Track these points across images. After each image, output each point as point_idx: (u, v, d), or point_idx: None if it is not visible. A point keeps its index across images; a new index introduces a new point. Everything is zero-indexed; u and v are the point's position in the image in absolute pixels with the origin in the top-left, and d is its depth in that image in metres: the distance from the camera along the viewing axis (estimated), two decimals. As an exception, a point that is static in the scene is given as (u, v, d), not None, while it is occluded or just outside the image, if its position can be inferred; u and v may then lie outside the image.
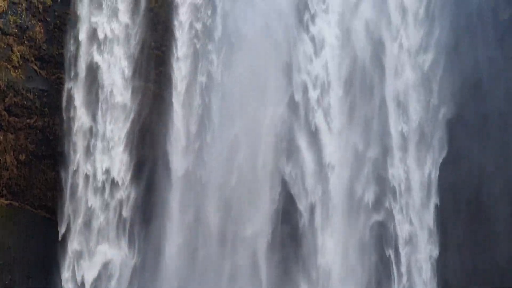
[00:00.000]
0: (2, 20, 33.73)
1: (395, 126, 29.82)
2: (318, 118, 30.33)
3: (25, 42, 34.28)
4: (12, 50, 33.94)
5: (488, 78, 29.79)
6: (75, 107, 33.43)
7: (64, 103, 33.61)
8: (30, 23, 34.38)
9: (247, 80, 31.29)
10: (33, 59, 34.49)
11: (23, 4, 34.27)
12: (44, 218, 34.19)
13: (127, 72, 33.53)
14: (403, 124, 29.81)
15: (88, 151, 33.09)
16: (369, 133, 30.05)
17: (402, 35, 30.28)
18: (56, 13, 34.92)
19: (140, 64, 33.97)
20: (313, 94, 30.55)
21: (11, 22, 33.96)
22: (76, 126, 33.33)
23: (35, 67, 34.53)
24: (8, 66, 33.84)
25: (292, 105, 30.72)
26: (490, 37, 30.25)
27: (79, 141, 33.20)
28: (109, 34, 33.68)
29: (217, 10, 33.01)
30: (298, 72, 30.75)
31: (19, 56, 34.07)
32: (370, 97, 30.19)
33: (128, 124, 33.47)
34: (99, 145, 32.98)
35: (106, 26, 33.62)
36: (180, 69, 33.38)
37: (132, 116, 33.63)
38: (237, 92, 31.49)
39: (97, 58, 33.49)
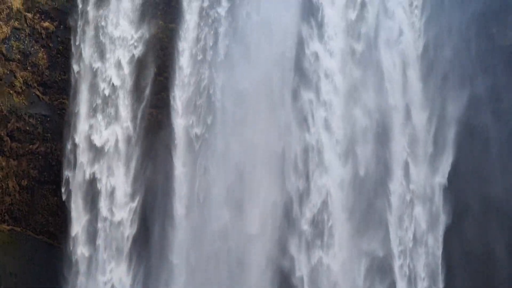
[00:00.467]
0: (5, 46, 33.88)
1: None
2: None
3: (28, 68, 34.40)
4: (15, 76, 34.07)
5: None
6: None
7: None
8: (33, 49, 34.51)
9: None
10: (36, 84, 34.59)
11: (26, 30, 34.42)
12: (46, 243, 34.18)
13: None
14: None
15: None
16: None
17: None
18: (59, 39, 35.05)
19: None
20: None
21: (14, 48, 34.10)
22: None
23: (38, 93, 34.63)
24: (11, 92, 33.95)
25: None
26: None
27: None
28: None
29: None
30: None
31: (22, 82, 34.19)
32: None
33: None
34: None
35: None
36: None
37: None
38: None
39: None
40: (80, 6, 34.23)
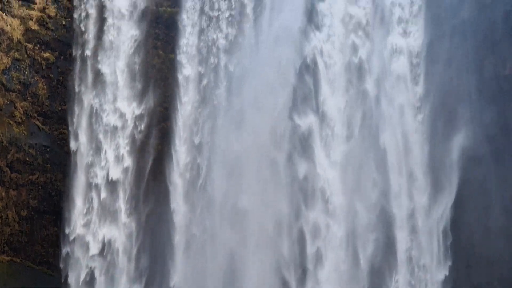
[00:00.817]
0: (5, 76, 33.94)
1: None
2: None
3: (28, 98, 34.47)
4: (15, 106, 34.10)
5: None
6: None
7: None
8: (33, 79, 34.61)
9: None
10: (36, 115, 34.64)
11: (26, 61, 34.54)
12: (46, 274, 34.03)
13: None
14: None
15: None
16: None
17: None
18: (59, 69, 35.21)
19: None
20: None
21: (14, 79, 34.17)
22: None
23: (38, 123, 34.66)
24: (11, 122, 33.95)
25: None
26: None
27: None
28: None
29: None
30: None
31: (22, 112, 34.22)
32: None
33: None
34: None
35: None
36: None
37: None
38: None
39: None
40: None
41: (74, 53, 34.81)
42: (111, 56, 34.47)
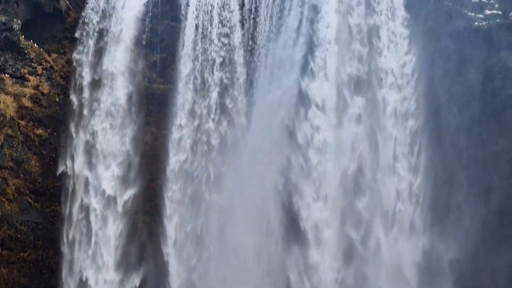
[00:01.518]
0: (-3, 153, 34.02)
1: None
2: None
3: (21, 175, 34.40)
4: (7, 183, 33.99)
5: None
6: None
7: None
8: (25, 156, 34.60)
9: None
10: (28, 192, 34.56)
11: (19, 138, 34.57)
12: None
13: None
14: None
15: None
16: None
17: None
18: (52, 146, 35.31)
19: None
20: None
21: (6, 156, 34.12)
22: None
23: (30, 200, 34.56)
24: (3, 199, 33.77)
25: None
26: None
27: None
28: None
29: None
30: None
31: (14, 189, 34.11)
32: None
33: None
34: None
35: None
36: None
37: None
38: None
39: None
40: None
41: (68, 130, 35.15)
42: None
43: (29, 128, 34.94)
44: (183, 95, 35.17)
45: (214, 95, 34.87)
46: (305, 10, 34.07)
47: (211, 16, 35.86)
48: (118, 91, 35.14)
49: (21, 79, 35.26)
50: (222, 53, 35.34)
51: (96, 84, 35.36)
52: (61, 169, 34.79)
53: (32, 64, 35.54)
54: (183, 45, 35.76)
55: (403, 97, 32.97)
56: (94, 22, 36.24)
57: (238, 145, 33.33)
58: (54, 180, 35.03)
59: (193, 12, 35.94)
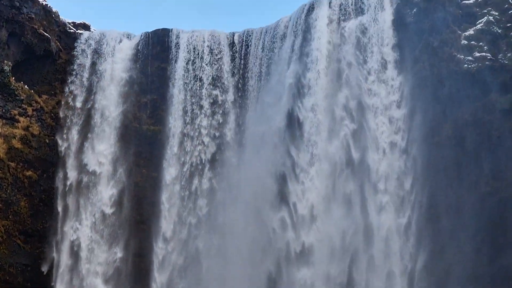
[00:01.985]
0: (-14, 195, 33.93)
1: None
2: None
3: (10, 217, 34.33)
4: (-4, 225, 34.01)
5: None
6: None
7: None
8: (15, 197, 34.56)
9: None
10: (17, 233, 34.49)
11: (9, 179, 34.54)
12: None
13: None
14: None
15: None
16: None
17: None
18: (41, 188, 35.32)
19: None
20: None
21: (-4, 197, 34.17)
22: None
23: (19, 242, 34.48)
24: (-9, 241, 33.80)
25: None
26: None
27: None
28: None
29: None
30: None
31: (3, 231, 34.03)
32: None
33: None
34: None
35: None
36: None
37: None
38: None
39: None
40: None
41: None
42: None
43: (19, 169, 34.94)
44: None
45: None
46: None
47: (202, 58, 36.17)
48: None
49: (11, 120, 35.31)
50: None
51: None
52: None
53: (23, 105, 35.63)
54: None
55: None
56: (85, 63, 36.53)
57: None
58: (43, 221, 35.02)
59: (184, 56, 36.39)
